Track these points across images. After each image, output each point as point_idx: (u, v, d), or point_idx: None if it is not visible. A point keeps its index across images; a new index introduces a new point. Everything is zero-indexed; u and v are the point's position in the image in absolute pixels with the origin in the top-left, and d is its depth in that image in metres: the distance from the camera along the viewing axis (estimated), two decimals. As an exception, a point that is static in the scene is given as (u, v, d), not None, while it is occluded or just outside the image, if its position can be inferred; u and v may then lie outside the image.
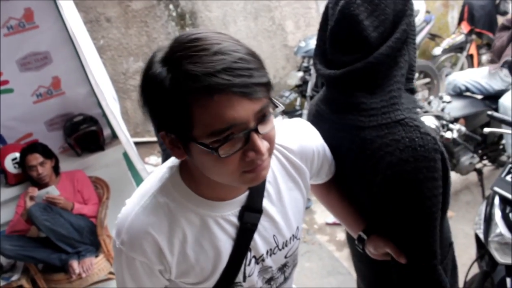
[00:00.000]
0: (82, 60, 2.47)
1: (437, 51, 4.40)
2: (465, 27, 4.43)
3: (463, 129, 2.55)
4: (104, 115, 3.27)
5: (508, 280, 1.79)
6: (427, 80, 4.45)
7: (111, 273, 2.87)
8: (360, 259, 1.34)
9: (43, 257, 2.71)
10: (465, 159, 2.93)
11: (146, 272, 0.89)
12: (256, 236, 0.95)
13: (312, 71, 3.85)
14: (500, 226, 1.78)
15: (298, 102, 4.11)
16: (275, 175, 0.97)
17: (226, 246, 0.92)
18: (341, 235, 3.14)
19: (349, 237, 1.35)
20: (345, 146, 1.07)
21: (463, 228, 2.84)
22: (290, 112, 4.06)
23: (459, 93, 3.17)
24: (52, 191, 2.79)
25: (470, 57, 4.60)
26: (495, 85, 3.07)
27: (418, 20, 4.08)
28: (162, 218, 0.86)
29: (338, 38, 1.05)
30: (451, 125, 2.53)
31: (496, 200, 1.87)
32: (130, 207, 0.88)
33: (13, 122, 3.21)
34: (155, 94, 0.74)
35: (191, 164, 0.84)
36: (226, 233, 0.91)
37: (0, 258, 2.85)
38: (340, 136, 1.07)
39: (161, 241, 0.86)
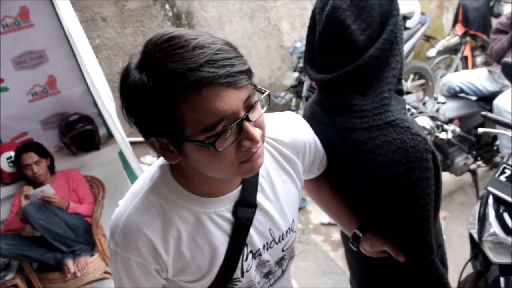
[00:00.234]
0: (78, 59, 2.46)
1: (431, 52, 4.41)
2: (459, 29, 4.45)
3: (458, 129, 2.57)
4: (99, 114, 3.28)
5: (501, 279, 1.80)
6: (422, 81, 4.49)
7: (106, 272, 2.87)
8: (352, 254, 1.35)
9: (38, 256, 2.69)
10: (460, 160, 2.94)
11: (143, 272, 0.89)
12: (251, 231, 0.95)
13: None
14: (494, 226, 1.80)
15: (293, 103, 4.11)
16: (268, 169, 0.97)
17: (221, 242, 0.91)
18: (336, 235, 3.15)
19: (343, 233, 1.36)
20: (339, 147, 1.08)
21: (457, 229, 2.86)
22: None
23: (453, 94, 3.19)
24: (47, 190, 2.77)
25: (464, 58, 4.63)
26: (489, 86, 3.10)
27: (413, 21, 4.10)
28: (155, 217, 0.86)
29: (327, 43, 1.06)
30: (445, 126, 2.55)
31: (490, 200, 1.88)
32: (122, 208, 0.88)
33: (8, 121, 3.19)
34: (138, 100, 0.73)
35: (182, 162, 0.83)
36: (221, 229, 0.91)
37: (-5, 257, 2.83)
38: (334, 138, 1.08)
39: (156, 240, 0.86)
